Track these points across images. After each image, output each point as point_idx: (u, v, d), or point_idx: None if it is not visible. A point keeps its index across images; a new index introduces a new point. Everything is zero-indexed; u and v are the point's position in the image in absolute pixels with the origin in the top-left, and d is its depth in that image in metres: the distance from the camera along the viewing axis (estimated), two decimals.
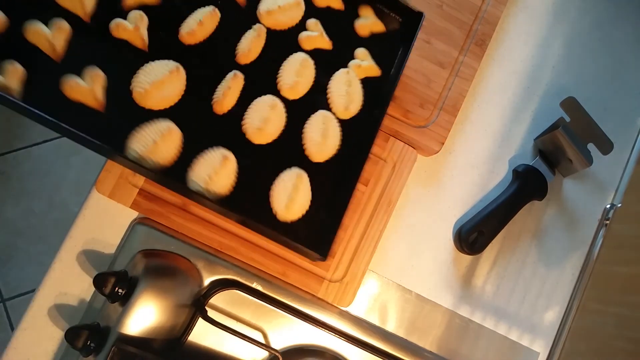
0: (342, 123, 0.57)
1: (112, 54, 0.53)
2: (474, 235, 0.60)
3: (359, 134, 0.57)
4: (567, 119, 0.61)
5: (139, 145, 0.50)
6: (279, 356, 0.52)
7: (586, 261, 0.64)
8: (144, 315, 0.49)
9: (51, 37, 0.50)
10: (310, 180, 0.55)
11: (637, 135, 0.68)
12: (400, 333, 0.59)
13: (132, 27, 0.52)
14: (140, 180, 0.55)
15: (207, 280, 0.54)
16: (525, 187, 0.62)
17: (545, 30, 0.68)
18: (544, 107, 0.66)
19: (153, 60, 0.53)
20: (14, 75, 0.49)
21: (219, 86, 0.54)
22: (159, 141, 0.50)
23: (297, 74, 0.56)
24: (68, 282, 0.55)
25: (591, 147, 0.60)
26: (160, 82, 0.52)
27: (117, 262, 0.53)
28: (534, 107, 0.66)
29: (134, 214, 0.56)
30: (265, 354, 0.55)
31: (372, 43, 0.61)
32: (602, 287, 0.62)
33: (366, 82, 0.59)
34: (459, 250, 0.62)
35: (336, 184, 0.56)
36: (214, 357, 0.54)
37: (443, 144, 0.61)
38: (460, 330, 0.61)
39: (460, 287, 0.62)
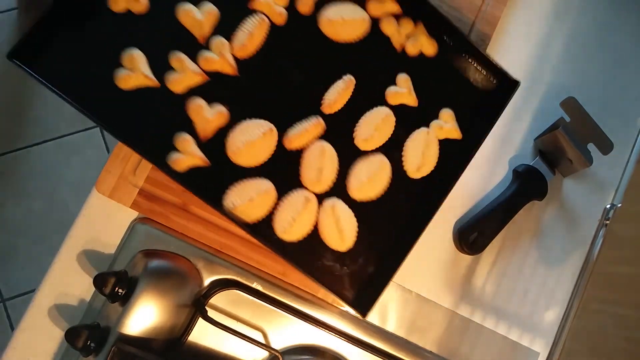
0: (412, 182, 0.57)
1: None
2: (474, 235, 0.60)
3: (427, 195, 0.57)
4: (567, 119, 0.61)
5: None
6: (279, 356, 0.52)
7: (586, 261, 0.64)
8: (144, 315, 0.49)
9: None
10: (368, 232, 0.56)
11: (637, 135, 0.68)
12: (400, 333, 0.59)
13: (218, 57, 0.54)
14: (140, 180, 0.55)
15: (207, 280, 0.54)
16: (525, 187, 0.62)
17: (545, 30, 0.68)
18: (544, 107, 0.66)
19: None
20: None
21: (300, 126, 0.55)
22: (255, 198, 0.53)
23: (375, 128, 0.56)
24: (68, 282, 0.55)
25: (591, 147, 0.60)
26: (253, 143, 0.53)
27: (117, 262, 0.53)
28: (534, 107, 0.66)
29: (134, 214, 0.56)
30: (265, 354, 0.55)
31: (459, 103, 0.59)
32: (602, 287, 0.61)
33: (443, 143, 0.58)
34: (459, 250, 0.62)
35: (394, 241, 0.56)
36: (214, 357, 0.54)
37: None
38: (460, 330, 0.61)
39: (460, 287, 0.62)
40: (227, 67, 0.54)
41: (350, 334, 0.57)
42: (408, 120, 0.58)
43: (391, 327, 0.59)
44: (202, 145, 0.53)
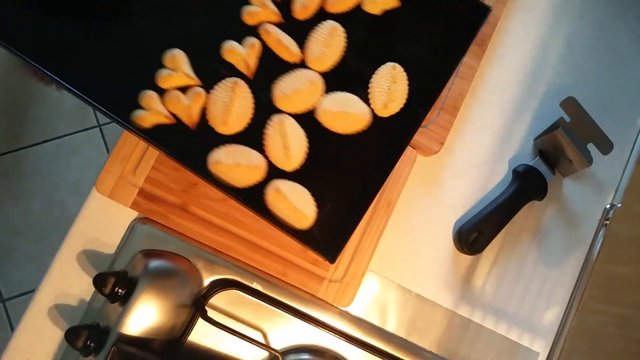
0: (381, 121, 0.56)
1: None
2: (474, 235, 0.60)
3: (395, 134, 0.56)
4: (567, 119, 0.61)
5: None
6: (279, 356, 0.52)
7: (586, 261, 0.64)
8: (144, 315, 0.49)
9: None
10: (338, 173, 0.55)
11: (637, 135, 0.68)
12: (400, 333, 0.59)
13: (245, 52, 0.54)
14: (140, 180, 0.55)
15: (207, 280, 0.54)
16: (525, 187, 0.62)
17: (545, 30, 0.68)
18: (544, 107, 0.66)
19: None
20: None
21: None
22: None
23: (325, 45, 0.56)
24: (68, 282, 0.55)
25: (591, 147, 0.60)
26: (231, 105, 0.53)
27: (117, 262, 0.53)
28: (534, 107, 0.66)
29: (134, 214, 0.56)
30: (265, 354, 0.55)
31: (427, 36, 0.58)
32: (602, 287, 0.61)
33: (412, 80, 0.57)
34: (459, 250, 0.62)
35: (362, 183, 0.55)
36: (214, 357, 0.54)
37: (443, 144, 0.61)
38: (460, 330, 0.61)
39: (460, 287, 0.62)
40: (273, 15, 0.55)
41: (350, 334, 0.57)
42: (371, 55, 0.57)
43: (391, 327, 0.59)
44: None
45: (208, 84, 0.54)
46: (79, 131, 1.42)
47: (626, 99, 0.69)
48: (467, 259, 0.62)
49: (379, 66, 0.57)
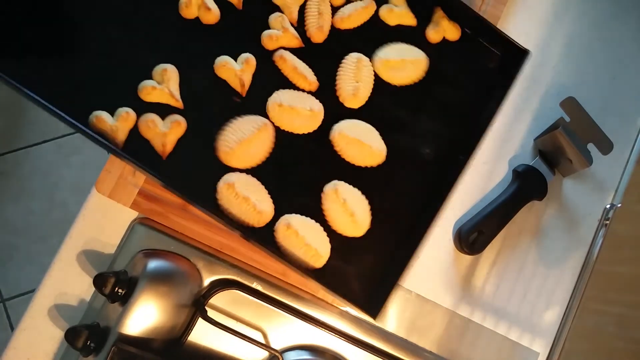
0: (423, 166, 0.58)
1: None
2: (474, 235, 0.60)
3: (437, 180, 0.57)
4: (567, 119, 0.61)
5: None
6: (279, 356, 0.52)
7: (586, 261, 0.64)
8: (144, 315, 0.49)
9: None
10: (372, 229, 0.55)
11: (637, 135, 0.68)
12: (400, 333, 0.59)
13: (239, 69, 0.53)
14: (140, 180, 0.55)
15: (207, 280, 0.54)
16: (525, 187, 0.62)
17: (545, 30, 0.68)
18: (544, 107, 0.66)
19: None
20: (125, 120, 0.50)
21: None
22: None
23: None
24: (68, 282, 0.55)
25: (591, 147, 0.60)
26: (248, 141, 0.52)
27: (117, 262, 0.53)
28: (534, 107, 0.66)
29: (134, 214, 0.56)
30: (265, 354, 0.55)
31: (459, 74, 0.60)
32: (602, 287, 0.61)
33: (451, 125, 0.59)
34: (459, 250, 0.62)
35: (400, 235, 0.56)
36: (214, 357, 0.54)
37: None
38: (460, 330, 0.61)
39: (460, 287, 0.62)
40: (294, 40, 0.53)
41: (350, 334, 0.57)
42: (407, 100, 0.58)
43: (391, 327, 0.59)
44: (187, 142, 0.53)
45: (190, 109, 0.53)
46: None
47: (626, 99, 0.68)
48: (467, 259, 0.62)
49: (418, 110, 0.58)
